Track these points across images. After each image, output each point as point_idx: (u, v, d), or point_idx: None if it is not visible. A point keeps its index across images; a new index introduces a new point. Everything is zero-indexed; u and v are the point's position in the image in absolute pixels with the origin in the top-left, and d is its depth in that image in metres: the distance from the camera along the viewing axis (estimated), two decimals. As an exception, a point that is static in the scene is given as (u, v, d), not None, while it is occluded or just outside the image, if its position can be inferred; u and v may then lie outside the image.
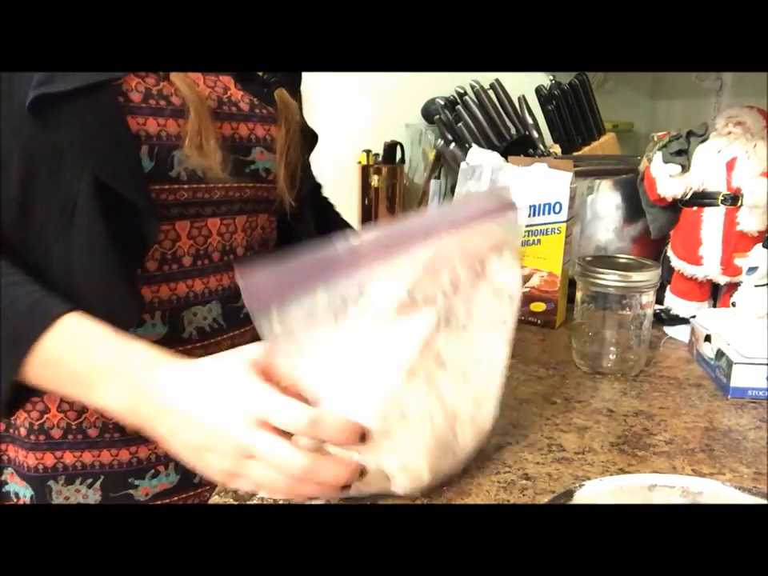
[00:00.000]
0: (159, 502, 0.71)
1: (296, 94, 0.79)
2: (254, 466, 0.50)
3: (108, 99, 0.58)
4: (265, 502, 0.57)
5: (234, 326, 0.74)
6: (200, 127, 0.62)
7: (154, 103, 0.61)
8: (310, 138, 0.80)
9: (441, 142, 1.47)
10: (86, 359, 0.56)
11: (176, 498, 0.72)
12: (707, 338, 0.84)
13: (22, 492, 0.69)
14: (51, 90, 0.56)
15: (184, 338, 0.69)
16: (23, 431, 0.67)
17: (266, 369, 0.52)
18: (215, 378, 0.53)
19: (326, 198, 0.95)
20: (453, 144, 1.43)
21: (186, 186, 0.65)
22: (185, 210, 0.66)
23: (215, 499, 0.58)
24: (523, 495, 0.58)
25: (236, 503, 0.57)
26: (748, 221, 0.92)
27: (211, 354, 0.70)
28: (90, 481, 0.68)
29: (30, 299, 0.57)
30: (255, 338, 0.77)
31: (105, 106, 0.58)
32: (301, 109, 0.80)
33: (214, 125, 0.64)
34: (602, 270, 0.81)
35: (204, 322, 0.70)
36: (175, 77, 0.62)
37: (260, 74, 0.73)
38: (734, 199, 0.93)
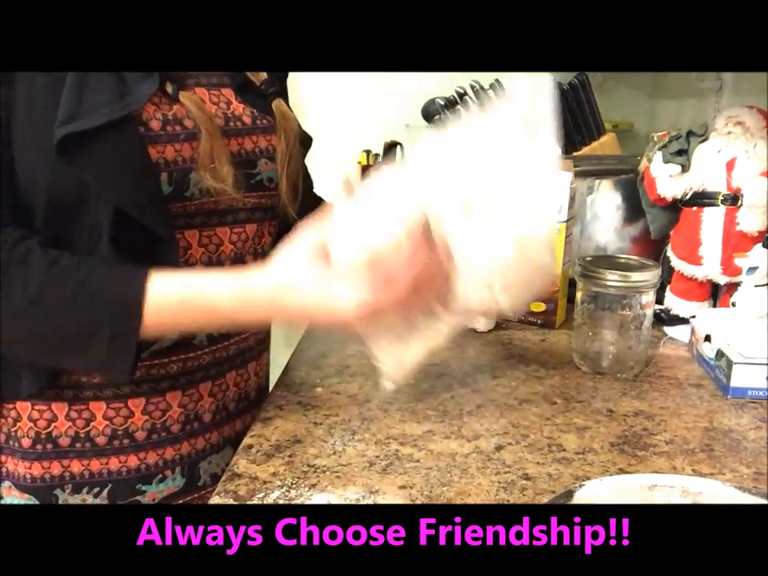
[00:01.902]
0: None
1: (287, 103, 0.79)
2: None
3: (131, 132, 0.59)
4: (264, 503, 0.57)
5: (241, 331, 0.75)
6: (212, 150, 0.63)
7: (170, 129, 0.62)
8: (306, 143, 0.81)
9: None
10: (193, 315, 0.61)
11: (180, 501, 0.72)
12: (707, 338, 0.84)
13: (23, 504, 0.68)
14: (78, 128, 0.56)
15: (195, 343, 0.70)
16: (27, 442, 0.67)
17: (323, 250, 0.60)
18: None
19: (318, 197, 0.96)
20: (453, 144, 1.42)
21: (196, 202, 0.66)
22: (190, 220, 0.66)
23: (215, 499, 0.58)
24: (523, 495, 0.58)
25: (236, 503, 0.57)
26: (748, 221, 0.92)
27: (219, 358, 0.73)
28: (96, 489, 0.68)
29: (110, 275, 0.59)
30: (259, 341, 0.81)
31: (128, 139, 0.59)
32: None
33: (224, 145, 0.65)
34: (602, 270, 0.81)
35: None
36: (185, 98, 0.63)
37: (257, 84, 0.73)
38: (734, 199, 0.93)
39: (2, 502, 0.69)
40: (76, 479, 0.68)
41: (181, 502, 0.72)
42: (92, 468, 0.68)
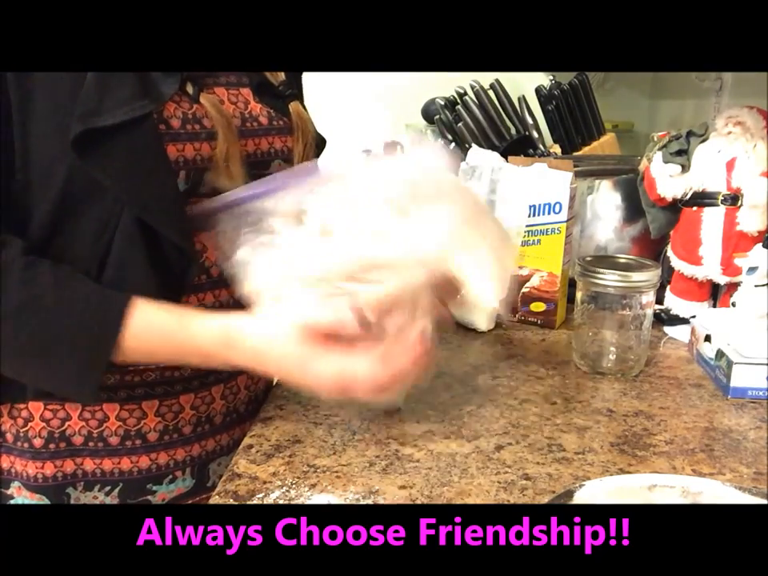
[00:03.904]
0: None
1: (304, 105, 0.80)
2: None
3: (149, 131, 0.59)
4: (264, 503, 0.57)
5: None
6: (227, 152, 0.64)
7: (190, 128, 0.63)
8: (320, 145, 0.81)
9: (441, 142, 1.47)
10: (168, 352, 0.61)
11: (190, 502, 0.73)
12: (707, 338, 0.84)
13: (34, 504, 0.68)
14: (96, 124, 0.56)
15: None
16: (38, 441, 0.67)
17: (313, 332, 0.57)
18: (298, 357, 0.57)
19: None
20: (453, 144, 1.43)
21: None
22: (206, 221, 0.66)
23: (215, 499, 0.58)
24: (523, 495, 0.58)
25: (236, 503, 0.57)
26: (748, 221, 0.92)
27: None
28: (108, 488, 0.69)
29: (95, 297, 0.59)
30: None
31: (145, 138, 0.59)
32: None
33: (240, 146, 0.66)
34: (601, 270, 0.81)
35: None
36: (205, 99, 0.64)
37: (275, 84, 0.73)
38: (734, 199, 0.93)
39: (13, 501, 0.69)
40: (88, 477, 0.68)
41: (190, 502, 0.72)
42: (104, 467, 0.68)
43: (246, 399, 0.76)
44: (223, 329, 0.59)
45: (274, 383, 0.82)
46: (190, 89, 0.63)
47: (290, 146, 0.73)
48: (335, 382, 0.56)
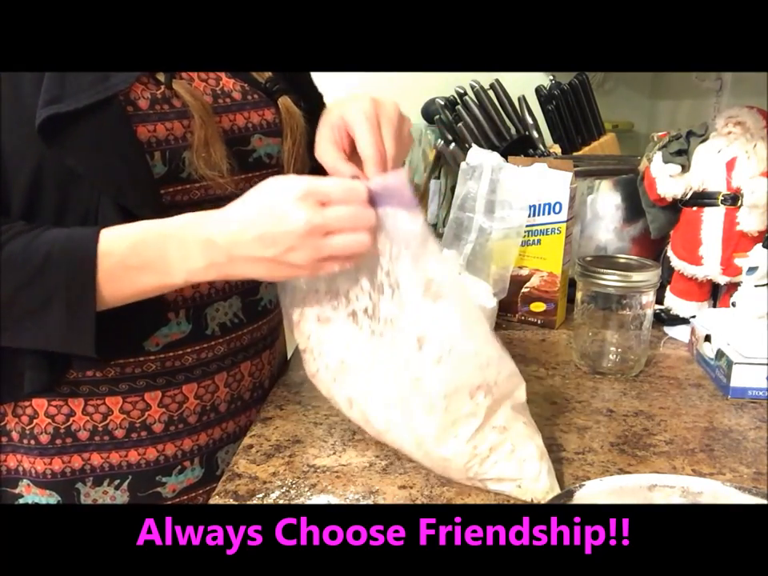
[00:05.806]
0: (186, 497, 0.72)
1: (299, 102, 0.78)
2: (334, 240, 0.55)
3: (115, 113, 0.59)
4: (264, 503, 0.57)
5: (253, 320, 0.75)
6: (206, 137, 0.63)
7: (159, 108, 0.62)
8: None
9: (441, 142, 1.47)
10: (146, 252, 0.58)
11: (201, 491, 0.73)
12: (707, 338, 0.84)
13: (44, 501, 0.69)
14: (60, 110, 0.56)
15: (207, 334, 0.70)
16: (45, 438, 0.67)
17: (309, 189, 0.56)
18: (266, 191, 0.57)
19: None
20: (453, 144, 1.42)
21: (197, 185, 0.65)
22: (198, 208, 0.65)
23: (215, 499, 0.58)
24: (523, 495, 0.58)
25: (236, 503, 0.57)
26: (748, 221, 0.92)
27: (233, 348, 0.72)
28: (117, 482, 0.69)
29: (63, 240, 0.58)
30: (272, 329, 0.80)
31: (112, 121, 0.59)
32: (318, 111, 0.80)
33: (218, 132, 0.64)
34: (602, 270, 0.81)
35: (225, 318, 0.71)
36: (178, 85, 0.63)
37: (262, 81, 0.72)
38: (734, 199, 0.93)
39: (22, 500, 0.69)
40: (96, 472, 0.68)
41: (201, 492, 0.73)
42: (112, 461, 0.68)
43: (250, 386, 0.76)
44: (198, 212, 0.59)
45: (278, 376, 0.82)
46: (161, 76, 0.62)
47: (268, 119, 0.71)
48: (307, 219, 0.54)
